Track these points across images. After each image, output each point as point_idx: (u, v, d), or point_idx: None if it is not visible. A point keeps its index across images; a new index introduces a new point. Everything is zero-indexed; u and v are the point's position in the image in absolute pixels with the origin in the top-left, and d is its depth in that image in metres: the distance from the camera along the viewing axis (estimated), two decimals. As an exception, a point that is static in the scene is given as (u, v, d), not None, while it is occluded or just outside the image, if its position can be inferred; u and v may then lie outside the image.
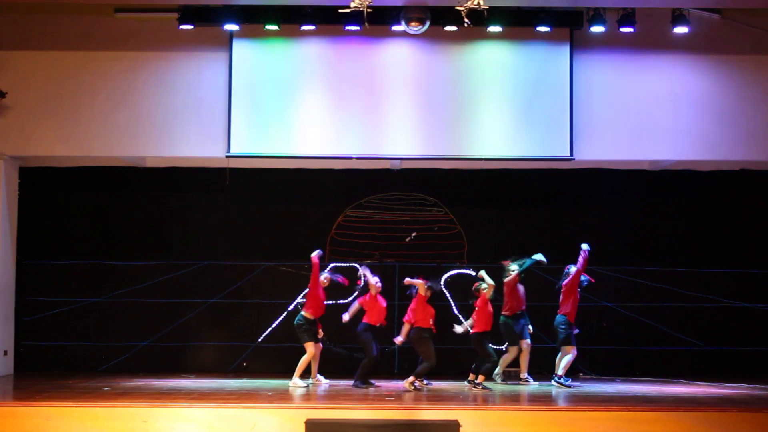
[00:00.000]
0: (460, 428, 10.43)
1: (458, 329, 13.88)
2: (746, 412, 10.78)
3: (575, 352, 13.93)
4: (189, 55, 15.03)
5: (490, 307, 13.67)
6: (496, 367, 14.09)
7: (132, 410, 10.73)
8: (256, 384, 13.75)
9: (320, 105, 15.00)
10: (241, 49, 14.94)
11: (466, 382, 13.55)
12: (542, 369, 14.84)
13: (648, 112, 15.01)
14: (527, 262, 14.18)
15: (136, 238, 16.02)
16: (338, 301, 15.07)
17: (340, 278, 14.25)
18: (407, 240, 14.87)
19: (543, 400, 12.08)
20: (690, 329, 15.80)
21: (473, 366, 13.65)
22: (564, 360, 13.85)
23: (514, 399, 12.28)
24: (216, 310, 15.87)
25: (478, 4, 12.36)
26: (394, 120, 14.96)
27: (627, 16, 14.40)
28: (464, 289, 15.03)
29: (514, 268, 14.20)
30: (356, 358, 14.01)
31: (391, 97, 14.99)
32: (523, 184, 16.04)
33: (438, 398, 12.04)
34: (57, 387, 12.89)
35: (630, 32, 14.48)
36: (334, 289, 14.54)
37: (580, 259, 14.12)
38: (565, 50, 14.89)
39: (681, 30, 14.42)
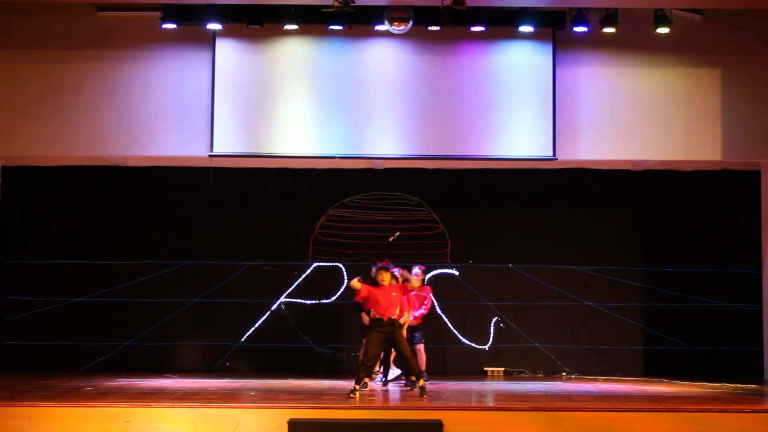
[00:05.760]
0: (444, 428, 10.43)
1: None
2: (728, 412, 10.81)
3: None
4: (172, 55, 14.95)
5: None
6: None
7: (114, 410, 10.69)
8: (239, 384, 13.73)
9: (303, 104, 14.95)
10: (225, 48, 14.87)
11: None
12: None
13: (631, 112, 15.01)
14: None
15: (119, 237, 15.98)
16: (321, 301, 15.07)
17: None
18: (390, 240, 14.85)
19: (526, 400, 12.09)
20: (673, 329, 15.84)
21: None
22: None
23: (497, 399, 12.29)
24: (199, 310, 15.84)
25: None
26: (377, 119, 14.93)
27: (610, 17, 14.43)
28: (446, 289, 15.06)
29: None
30: (339, 357, 13.98)
31: (374, 96, 14.96)
32: (506, 183, 16.06)
33: (421, 398, 12.02)
34: (39, 387, 12.83)
35: (613, 32, 14.52)
36: (317, 290, 14.53)
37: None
38: (548, 50, 14.88)
39: (663, 30, 14.46)
